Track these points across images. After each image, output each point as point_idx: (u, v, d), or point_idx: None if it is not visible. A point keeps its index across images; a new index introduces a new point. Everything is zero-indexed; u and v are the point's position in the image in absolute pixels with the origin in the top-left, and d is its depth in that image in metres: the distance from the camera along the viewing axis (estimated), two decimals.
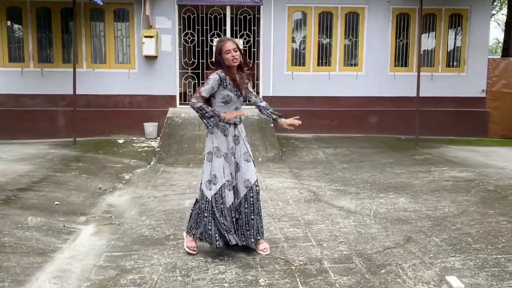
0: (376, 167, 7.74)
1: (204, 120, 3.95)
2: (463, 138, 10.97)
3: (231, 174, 4.01)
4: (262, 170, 7.60)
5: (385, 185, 6.52)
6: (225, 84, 3.94)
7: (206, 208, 3.97)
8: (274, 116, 4.15)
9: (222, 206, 3.94)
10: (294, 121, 4.07)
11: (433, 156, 8.56)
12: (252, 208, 4.02)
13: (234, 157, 4.03)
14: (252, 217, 4.02)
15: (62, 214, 5.17)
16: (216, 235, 3.93)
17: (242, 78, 4.08)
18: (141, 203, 5.74)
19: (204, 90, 3.92)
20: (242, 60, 4.01)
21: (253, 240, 4.04)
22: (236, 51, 3.90)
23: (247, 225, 4.03)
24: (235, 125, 4.04)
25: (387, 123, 11.22)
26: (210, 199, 3.95)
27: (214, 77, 3.92)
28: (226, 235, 3.94)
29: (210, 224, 3.95)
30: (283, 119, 4.13)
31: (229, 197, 3.97)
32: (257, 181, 4.06)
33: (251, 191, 4.00)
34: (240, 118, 4.09)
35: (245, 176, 4.01)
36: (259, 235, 4.07)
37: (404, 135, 10.97)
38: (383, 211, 5.32)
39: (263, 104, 4.20)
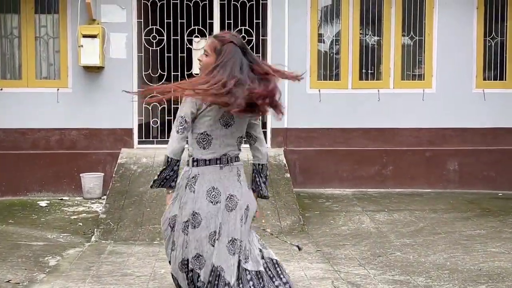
0: (458, 243, 7.70)
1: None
2: None
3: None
4: (272, 248, 7.55)
5: (473, 273, 6.46)
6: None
7: None
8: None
9: None
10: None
11: None
12: None
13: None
14: None
15: None
16: None
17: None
18: None
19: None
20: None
21: None
22: (207, 54, 4.17)
23: None
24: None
25: (474, 170, 11.24)
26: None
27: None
28: None
29: None
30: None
31: None
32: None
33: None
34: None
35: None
36: None
37: (503, 190, 10.97)
38: None
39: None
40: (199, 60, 4.22)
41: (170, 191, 4.21)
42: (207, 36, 11.20)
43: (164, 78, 11.52)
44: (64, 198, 10.77)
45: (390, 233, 8.36)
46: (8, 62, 11.25)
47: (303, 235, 8.40)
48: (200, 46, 11.15)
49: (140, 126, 11.32)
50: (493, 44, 11.46)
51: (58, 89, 11.08)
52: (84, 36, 10.68)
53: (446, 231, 8.33)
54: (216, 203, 4.08)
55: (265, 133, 10.94)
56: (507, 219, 8.86)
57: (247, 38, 11.27)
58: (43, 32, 11.23)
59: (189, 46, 11.34)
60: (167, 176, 4.14)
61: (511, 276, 6.32)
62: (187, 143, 4.16)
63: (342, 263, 7.03)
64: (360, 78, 11.40)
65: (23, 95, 11.07)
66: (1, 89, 11.02)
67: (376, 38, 11.49)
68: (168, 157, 4.11)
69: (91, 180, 10.75)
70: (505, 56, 11.44)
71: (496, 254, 7.16)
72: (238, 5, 11.23)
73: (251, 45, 11.31)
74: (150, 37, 11.36)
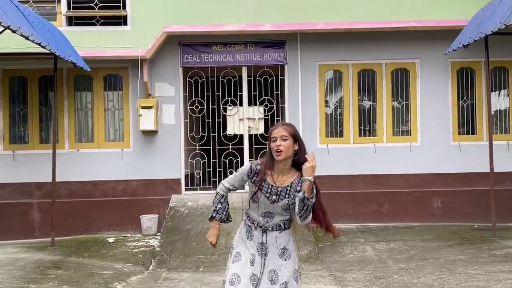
0: (444, 267, 7.59)
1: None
2: None
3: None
4: None
5: None
6: (255, 178, 3.88)
7: None
8: (301, 194, 3.83)
9: None
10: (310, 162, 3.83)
11: None
12: None
13: (253, 267, 3.89)
14: None
15: None
16: None
17: (299, 182, 3.93)
18: None
19: (228, 179, 4.07)
20: (299, 155, 3.88)
21: None
22: (285, 139, 3.83)
23: None
24: (264, 230, 3.94)
25: (454, 207, 11.10)
26: None
27: (245, 165, 4.03)
28: None
29: None
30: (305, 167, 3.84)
31: None
32: None
33: None
34: (281, 225, 3.96)
35: None
36: None
37: (478, 222, 10.80)
38: None
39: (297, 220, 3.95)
40: (283, 144, 3.87)
41: None
42: (237, 105, 11.33)
43: (205, 139, 11.62)
44: (127, 235, 10.79)
45: (388, 259, 8.25)
46: (83, 129, 11.39)
47: (318, 262, 8.33)
48: (233, 113, 11.28)
49: (186, 176, 11.37)
50: (465, 106, 11.42)
51: (122, 149, 11.22)
52: (143, 107, 10.85)
53: (433, 257, 8.21)
54: None
55: None
56: (483, 247, 8.71)
57: (269, 106, 11.41)
58: (111, 105, 11.41)
59: (224, 113, 11.46)
60: None
61: None
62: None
63: (351, 284, 6.94)
64: (360, 135, 11.40)
65: (95, 154, 11.21)
66: (78, 150, 11.17)
67: (371, 103, 11.51)
68: None
69: (148, 220, 10.77)
70: (475, 116, 11.39)
71: (475, 275, 7.03)
72: (262, 80, 11.37)
73: (272, 111, 11.44)
74: (194, 107, 11.50)
